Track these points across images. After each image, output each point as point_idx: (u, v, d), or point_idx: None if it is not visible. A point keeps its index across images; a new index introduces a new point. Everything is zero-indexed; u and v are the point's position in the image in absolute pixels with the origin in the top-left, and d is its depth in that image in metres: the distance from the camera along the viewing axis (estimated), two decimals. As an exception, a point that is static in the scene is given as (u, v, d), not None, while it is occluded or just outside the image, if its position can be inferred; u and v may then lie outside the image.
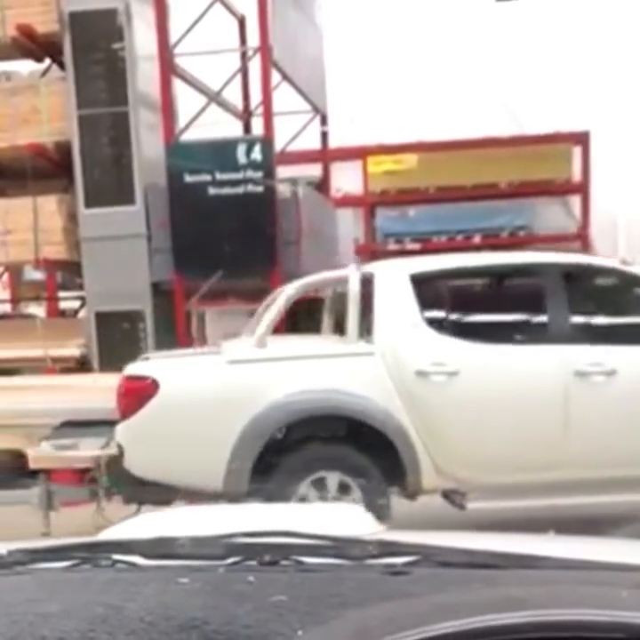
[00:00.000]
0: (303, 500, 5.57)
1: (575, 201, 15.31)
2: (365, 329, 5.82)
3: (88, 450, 6.09)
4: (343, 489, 5.68)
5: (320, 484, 5.67)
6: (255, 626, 1.12)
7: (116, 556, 1.47)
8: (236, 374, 5.73)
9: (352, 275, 5.93)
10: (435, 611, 0.96)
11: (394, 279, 5.93)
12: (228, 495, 5.53)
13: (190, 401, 5.65)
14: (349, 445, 5.70)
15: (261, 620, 1.13)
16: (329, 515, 2.42)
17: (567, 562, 1.42)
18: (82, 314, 9.93)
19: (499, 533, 2.27)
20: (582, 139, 14.75)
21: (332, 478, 5.69)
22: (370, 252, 14.95)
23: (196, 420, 5.62)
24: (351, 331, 5.78)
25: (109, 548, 1.55)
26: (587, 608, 0.95)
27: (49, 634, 1.12)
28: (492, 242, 14.67)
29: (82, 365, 8.93)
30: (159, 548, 1.50)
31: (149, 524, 2.17)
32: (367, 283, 5.89)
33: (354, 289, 5.81)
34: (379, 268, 6.17)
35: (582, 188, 14.98)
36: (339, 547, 1.48)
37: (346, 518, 2.21)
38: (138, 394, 5.66)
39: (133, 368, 5.89)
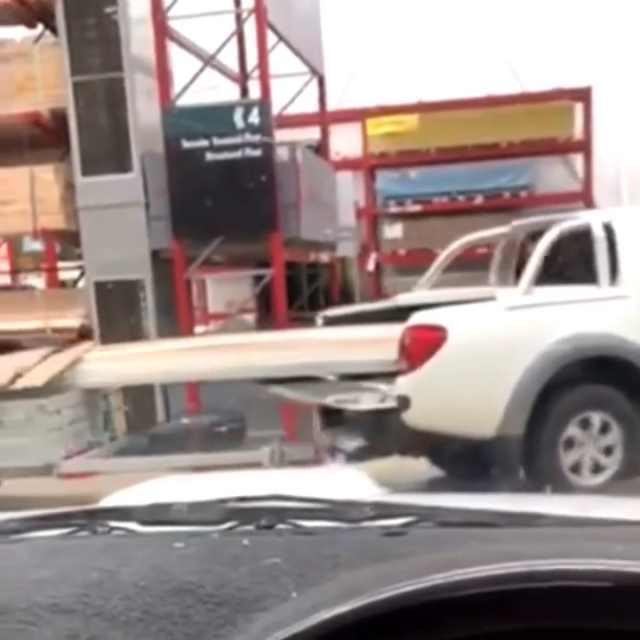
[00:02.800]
0: (569, 441, 5.88)
1: (578, 159, 15.18)
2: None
3: (369, 404, 6.08)
4: (605, 429, 5.96)
5: (585, 425, 5.95)
6: (249, 588, 1.12)
7: (113, 523, 1.47)
8: (514, 320, 5.98)
9: (595, 222, 6.23)
10: (427, 567, 0.95)
11: (637, 225, 6.30)
12: (502, 440, 5.75)
13: (476, 348, 5.87)
14: (613, 386, 5.97)
15: (255, 583, 1.13)
16: (327, 478, 2.44)
17: (564, 519, 1.43)
18: (81, 284, 9.87)
19: (498, 493, 2.34)
20: (584, 95, 14.60)
21: (597, 419, 5.96)
22: (370, 214, 14.90)
23: (479, 366, 5.83)
24: (603, 276, 6.09)
25: (106, 515, 1.55)
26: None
27: (42, 599, 1.12)
28: (495, 202, 14.60)
29: (83, 336, 8.88)
30: (155, 514, 1.51)
31: (149, 491, 2.20)
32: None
33: (599, 236, 6.12)
34: (617, 216, 6.47)
35: (585, 146, 14.86)
36: (335, 509, 1.48)
37: (344, 482, 2.23)
38: (428, 343, 5.77)
39: (419, 318, 5.95)
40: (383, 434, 6.05)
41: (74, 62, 8.83)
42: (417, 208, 14.77)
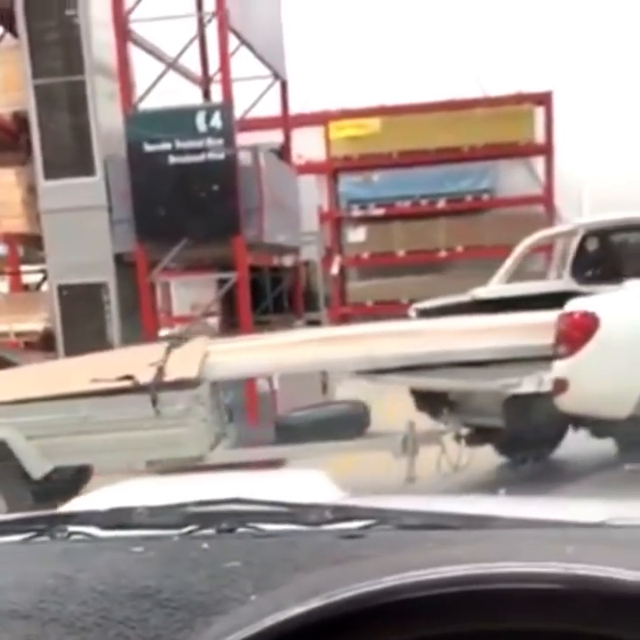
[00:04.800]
0: None
1: (539, 163, 15.32)
2: None
3: (528, 387, 6.29)
4: None
5: None
6: (208, 592, 1.12)
7: (72, 528, 1.48)
8: None
9: None
10: (382, 570, 0.97)
11: None
12: (634, 420, 6.11)
13: (622, 333, 6.27)
14: None
15: (215, 587, 1.13)
16: (291, 482, 2.45)
17: (518, 521, 1.45)
18: (45, 287, 9.82)
19: (456, 495, 2.34)
20: (545, 99, 14.75)
21: None
22: (334, 218, 14.94)
23: (625, 350, 6.21)
24: None
25: (65, 520, 1.55)
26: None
27: (0, 605, 1.13)
28: (457, 206, 14.71)
29: (47, 339, 8.84)
30: (115, 518, 1.51)
31: (110, 495, 2.19)
32: None
33: None
34: None
35: (546, 150, 15.00)
36: (294, 513, 1.49)
37: (305, 485, 2.24)
38: (585, 329, 6.19)
39: (574, 305, 6.35)
40: (524, 418, 6.39)
41: (35, 65, 8.80)
42: (380, 211, 14.84)
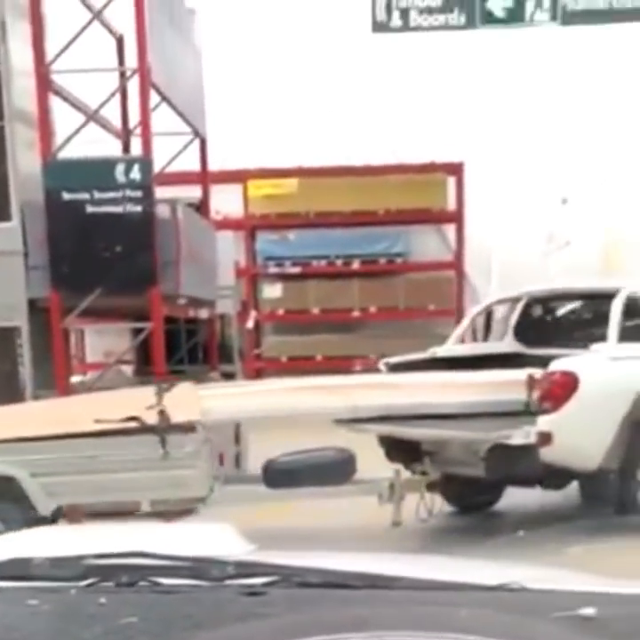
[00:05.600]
0: None
1: (450, 230, 15.75)
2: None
3: (518, 439, 6.65)
4: None
5: None
6: None
7: None
8: (617, 368, 7.00)
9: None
10: (283, 631, 0.99)
11: None
12: (603, 472, 6.76)
13: (596, 391, 6.82)
14: None
15: None
16: (196, 535, 2.40)
17: (418, 582, 1.46)
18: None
19: (361, 553, 2.29)
20: (456, 169, 15.23)
21: None
22: (250, 274, 15.11)
23: (599, 407, 6.76)
24: None
25: None
26: (426, 628, 1.01)
27: None
28: (371, 268, 15.02)
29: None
30: (12, 568, 1.45)
31: (11, 544, 2.06)
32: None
33: None
34: None
35: (457, 218, 15.45)
36: (196, 567, 1.46)
37: (211, 538, 2.16)
38: (568, 387, 6.72)
39: (557, 365, 6.85)
40: (504, 468, 6.84)
41: (-46, 111, 8.83)
42: (296, 270, 15.06)
